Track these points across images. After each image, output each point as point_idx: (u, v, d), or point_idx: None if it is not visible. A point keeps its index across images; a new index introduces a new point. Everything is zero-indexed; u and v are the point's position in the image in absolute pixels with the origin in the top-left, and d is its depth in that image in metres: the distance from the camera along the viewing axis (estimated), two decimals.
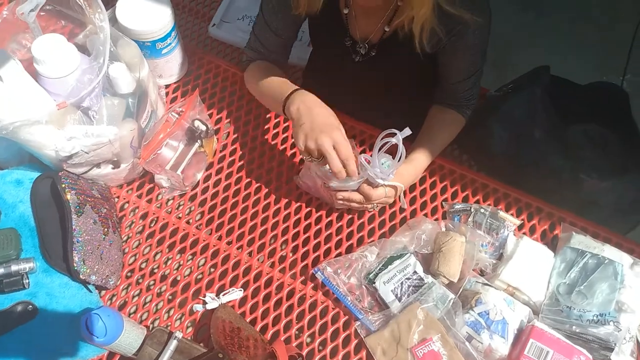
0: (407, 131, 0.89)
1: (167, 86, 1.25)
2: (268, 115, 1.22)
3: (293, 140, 1.00)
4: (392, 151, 0.90)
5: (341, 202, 1.00)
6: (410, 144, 1.10)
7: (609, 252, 0.99)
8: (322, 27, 1.15)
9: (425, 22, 0.94)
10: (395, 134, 0.88)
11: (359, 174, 0.94)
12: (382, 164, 0.94)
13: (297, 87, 1.02)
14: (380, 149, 0.90)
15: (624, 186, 1.17)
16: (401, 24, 0.99)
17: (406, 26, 0.97)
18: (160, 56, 1.16)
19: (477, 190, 1.14)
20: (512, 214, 1.10)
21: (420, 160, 1.08)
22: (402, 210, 1.11)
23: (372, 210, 1.09)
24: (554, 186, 1.22)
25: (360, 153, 0.95)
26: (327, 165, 0.92)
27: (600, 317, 0.91)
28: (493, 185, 1.15)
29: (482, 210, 1.08)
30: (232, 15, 1.72)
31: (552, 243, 1.07)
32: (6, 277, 0.88)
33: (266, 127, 1.21)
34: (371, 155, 0.92)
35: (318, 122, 0.92)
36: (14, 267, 0.88)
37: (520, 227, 1.09)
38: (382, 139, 0.89)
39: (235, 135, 1.19)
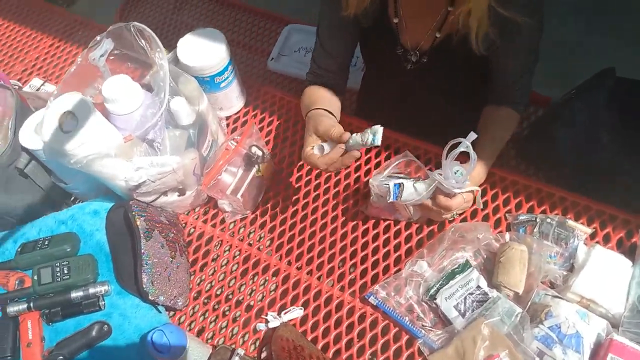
0: (473, 135, 0.85)
1: (227, 118, 1.32)
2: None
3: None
4: (458, 158, 0.88)
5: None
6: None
7: None
8: (373, 39, 1.17)
9: (482, 18, 0.94)
10: (460, 142, 0.86)
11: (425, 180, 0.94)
12: (455, 172, 0.93)
13: (317, 106, 1.06)
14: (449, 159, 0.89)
15: None
16: (454, 27, 1.00)
17: (461, 23, 0.97)
18: (219, 90, 1.23)
19: (542, 201, 1.09)
20: (582, 223, 1.04)
21: (486, 158, 1.07)
22: (483, 207, 1.10)
23: (452, 218, 1.08)
24: (626, 192, 1.13)
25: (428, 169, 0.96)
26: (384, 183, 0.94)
27: None
28: (559, 194, 1.09)
29: (548, 220, 1.03)
30: (289, 48, 1.81)
31: (629, 252, 0.99)
32: (85, 299, 0.95)
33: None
34: (442, 168, 0.90)
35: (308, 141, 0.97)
36: (92, 290, 0.96)
37: (592, 236, 1.02)
38: (449, 149, 0.87)
39: (291, 160, 1.23)
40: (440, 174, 0.90)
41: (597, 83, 1.25)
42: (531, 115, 1.43)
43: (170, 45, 1.86)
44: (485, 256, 1.02)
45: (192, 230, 1.16)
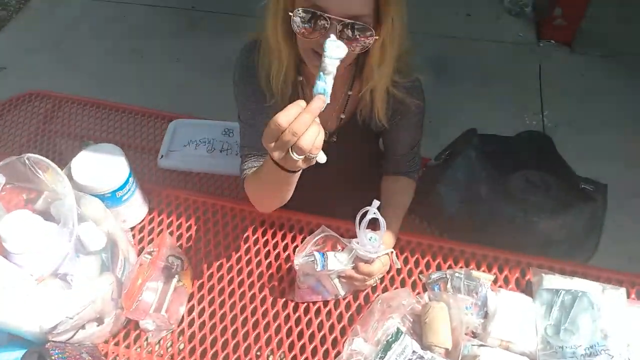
0: (376, 202, 0.97)
1: (132, 228, 1.28)
2: (237, 244, 1.26)
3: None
4: (369, 227, 0.99)
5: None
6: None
7: (579, 284, 1.07)
8: None
9: (381, 100, 1.09)
10: (368, 210, 0.97)
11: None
12: (370, 239, 1.02)
13: None
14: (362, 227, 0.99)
15: (572, 220, 1.28)
16: (356, 108, 1.15)
17: (362, 105, 1.12)
18: (122, 203, 1.19)
19: (446, 256, 1.21)
20: (484, 271, 1.17)
21: (393, 225, 1.18)
22: (398, 271, 1.18)
23: (375, 284, 1.15)
24: (512, 234, 1.31)
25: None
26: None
27: (591, 350, 0.96)
28: (459, 247, 1.22)
29: (457, 275, 1.14)
30: (178, 143, 1.80)
31: (527, 288, 1.14)
32: None
33: (237, 244, 1.25)
34: (357, 240, 1.02)
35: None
36: None
37: (495, 281, 1.15)
38: (360, 219, 0.97)
39: (209, 260, 1.22)
40: (357, 242, 1.02)
41: (465, 142, 1.45)
42: None
43: (46, 155, 1.77)
44: (412, 320, 1.09)
45: (116, 359, 1.08)
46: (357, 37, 0.94)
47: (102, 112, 1.90)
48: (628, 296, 1.09)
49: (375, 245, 1.02)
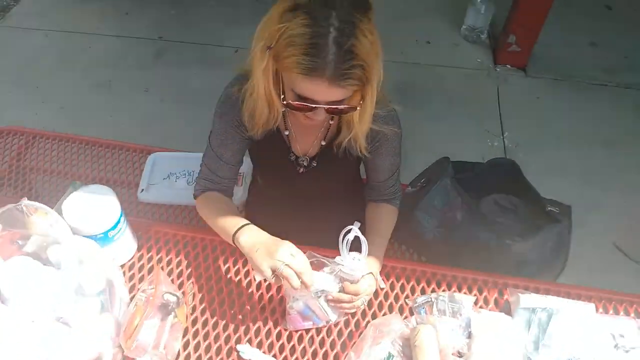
0: (358, 223, 1.05)
1: (122, 265, 1.29)
2: (228, 277, 1.29)
3: (253, 270, 1.10)
4: (353, 248, 1.06)
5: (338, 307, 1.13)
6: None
7: (553, 301, 1.16)
8: (267, 149, 1.31)
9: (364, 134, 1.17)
10: (350, 229, 1.04)
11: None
12: (353, 259, 1.08)
13: (246, 221, 1.16)
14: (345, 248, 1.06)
15: (542, 241, 1.38)
16: (342, 139, 1.21)
17: (352, 138, 1.19)
18: (113, 242, 1.21)
19: (430, 280, 1.28)
20: (465, 293, 1.25)
21: (379, 245, 1.25)
22: (385, 296, 1.24)
23: (362, 306, 1.18)
24: (487, 257, 1.39)
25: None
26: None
27: None
28: (441, 271, 1.29)
29: (441, 298, 1.21)
30: (157, 177, 1.82)
31: (505, 307, 1.22)
32: None
33: (228, 277, 1.28)
34: (340, 258, 1.07)
35: (269, 243, 1.07)
36: None
37: (476, 302, 1.23)
38: (343, 238, 1.05)
39: (201, 294, 1.25)
40: (341, 261, 1.08)
41: (439, 170, 1.53)
42: None
43: (21, 192, 1.75)
44: (401, 343, 1.15)
45: None
46: (342, 111, 1.05)
47: (77, 147, 1.89)
48: (596, 310, 1.18)
49: (359, 265, 1.08)
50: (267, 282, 1.27)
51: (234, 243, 1.14)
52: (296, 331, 1.18)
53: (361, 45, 0.94)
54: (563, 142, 2.85)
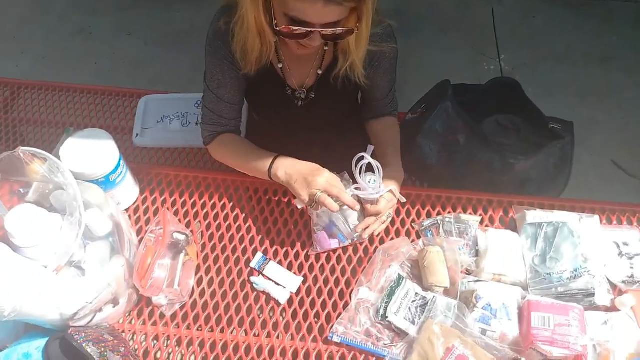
0: (371, 147, 1.09)
1: (126, 209, 1.28)
2: (235, 213, 1.29)
3: (295, 197, 1.12)
4: (368, 169, 1.10)
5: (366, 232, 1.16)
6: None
7: (559, 216, 1.17)
8: (261, 85, 1.26)
9: (360, 58, 1.13)
10: (363, 156, 1.08)
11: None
12: (369, 182, 1.11)
13: (273, 154, 1.17)
14: (359, 172, 1.10)
15: (545, 158, 1.37)
16: (339, 69, 1.17)
17: (341, 60, 1.15)
18: (115, 186, 1.20)
19: (435, 204, 1.29)
20: (470, 214, 1.26)
21: (393, 159, 1.25)
22: (403, 204, 1.26)
23: (388, 221, 1.21)
24: (490, 177, 1.39)
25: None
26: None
27: (575, 272, 1.07)
28: (445, 194, 1.30)
29: (447, 219, 1.22)
30: (151, 120, 1.78)
31: (511, 225, 1.23)
32: None
33: (235, 213, 1.28)
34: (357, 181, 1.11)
35: (306, 173, 1.09)
36: None
37: (482, 222, 1.24)
38: (355, 164, 1.09)
39: (210, 232, 1.25)
40: (357, 188, 1.10)
41: (439, 94, 1.50)
42: None
43: (13, 145, 1.71)
44: (410, 265, 1.18)
45: (133, 336, 1.11)
46: (339, 35, 1.01)
47: (65, 95, 1.84)
48: (600, 222, 1.20)
49: (376, 186, 1.11)
50: (280, 207, 1.27)
51: (271, 178, 1.16)
52: (323, 252, 1.20)
53: None
54: (559, 61, 2.80)
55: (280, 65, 1.22)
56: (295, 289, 1.16)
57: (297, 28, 0.98)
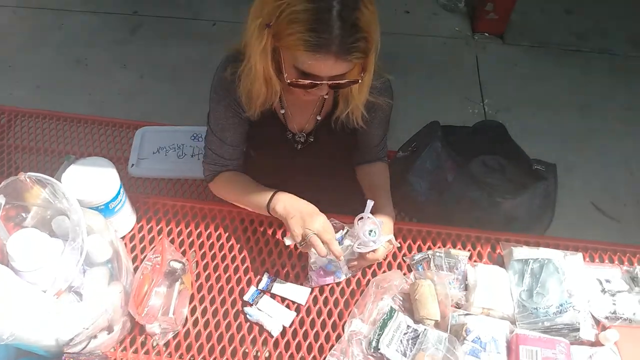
0: (370, 203, 1.14)
1: (122, 237, 1.30)
2: (230, 244, 1.31)
3: (289, 232, 1.14)
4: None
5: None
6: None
7: (544, 253, 1.22)
8: (263, 127, 1.30)
9: (360, 106, 1.19)
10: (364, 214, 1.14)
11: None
12: (369, 233, 1.15)
13: (272, 190, 1.20)
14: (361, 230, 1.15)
15: (529, 198, 1.44)
16: (339, 113, 1.23)
17: (350, 111, 1.20)
18: (114, 214, 1.21)
19: (425, 239, 1.33)
20: (459, 249, 1.30)
21: (386, 206, 1.29)
22: (399, 249, 1.31)
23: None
24: (478, 215, 1.44)
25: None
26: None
27: (560, 307, 1.11)
28: (435, 229, 1.34)
29: (437, 254, 1.26)
30: (147, 151, 1.81)
31: (498, 261, 1.28)
32: None
33: (230, 244, 1.30)
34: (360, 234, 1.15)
35: (305, 212, 1.12)
36: None
37: (470, 257, 1.28)
38: (358, 221, 1.15)
39: (205, 261, 1.27)
40: (360, 246, 1.16)
41: (429, 134, 1.57)
42: None
43: (7, 172, 1.72)
44: (402, 298, 1.20)
45: None
46: (344, 85, 1.06)
47: (61, 124, 1.86)
48: (583, 259, 1.25)
49: (377, 238, 1.15)
50: (272, 238, 1.30)
51: (268, 211, 1.19)
52: (317, 286, 1.22)
53: (364, 17, 0.95)
54: (540, 107, 2.92)
55: (282, 111, 1.28)
56: (289, 322, 1.17)
57: (307, 81, 1.02)
